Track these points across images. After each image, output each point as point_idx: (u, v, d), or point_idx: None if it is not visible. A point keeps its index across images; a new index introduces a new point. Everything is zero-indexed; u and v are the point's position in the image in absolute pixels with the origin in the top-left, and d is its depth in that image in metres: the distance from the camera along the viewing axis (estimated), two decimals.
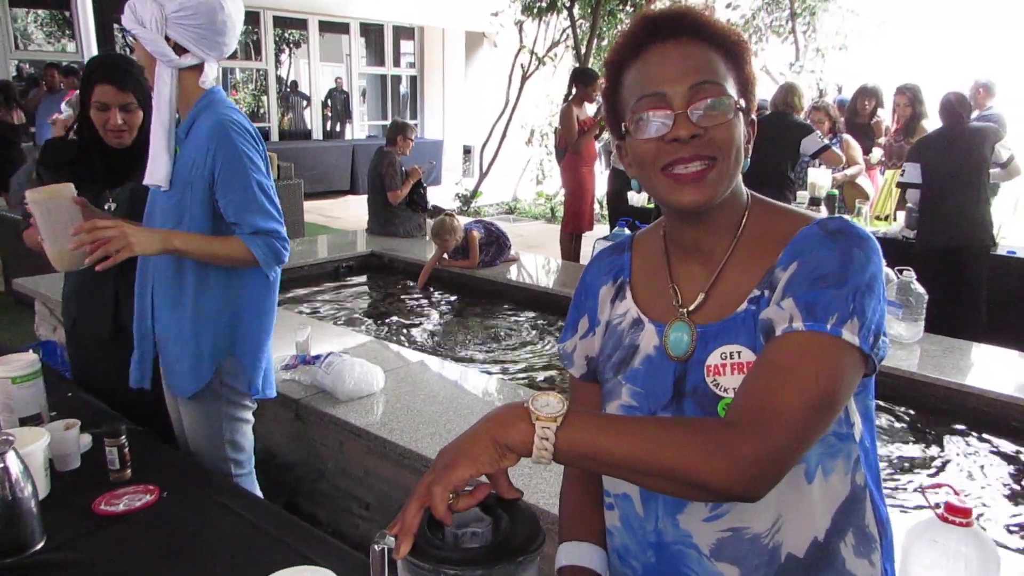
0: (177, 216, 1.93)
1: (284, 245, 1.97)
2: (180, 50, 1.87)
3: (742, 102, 0.92)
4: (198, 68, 1.91)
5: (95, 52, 7.98)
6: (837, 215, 0.94)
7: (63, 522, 1.52)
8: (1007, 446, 2.97)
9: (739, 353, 0.92)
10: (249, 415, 2.14)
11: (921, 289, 3.52)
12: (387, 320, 4.88)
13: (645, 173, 0.94)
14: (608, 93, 0.98)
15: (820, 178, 5.42)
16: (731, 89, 0.91)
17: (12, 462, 1.38)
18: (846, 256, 0.86)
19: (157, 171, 1.93)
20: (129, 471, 1.72)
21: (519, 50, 10.99)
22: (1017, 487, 2.77)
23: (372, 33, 14.52)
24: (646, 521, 1.01)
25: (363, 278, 5.68)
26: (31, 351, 1.92)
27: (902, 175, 4.73)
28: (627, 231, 4.63)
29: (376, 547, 0.87)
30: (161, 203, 1.97)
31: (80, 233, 1.76)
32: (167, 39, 1.85)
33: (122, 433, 1.70)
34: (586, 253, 6.49)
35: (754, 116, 0.96)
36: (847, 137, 5.79)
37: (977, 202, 4.38)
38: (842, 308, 0.83)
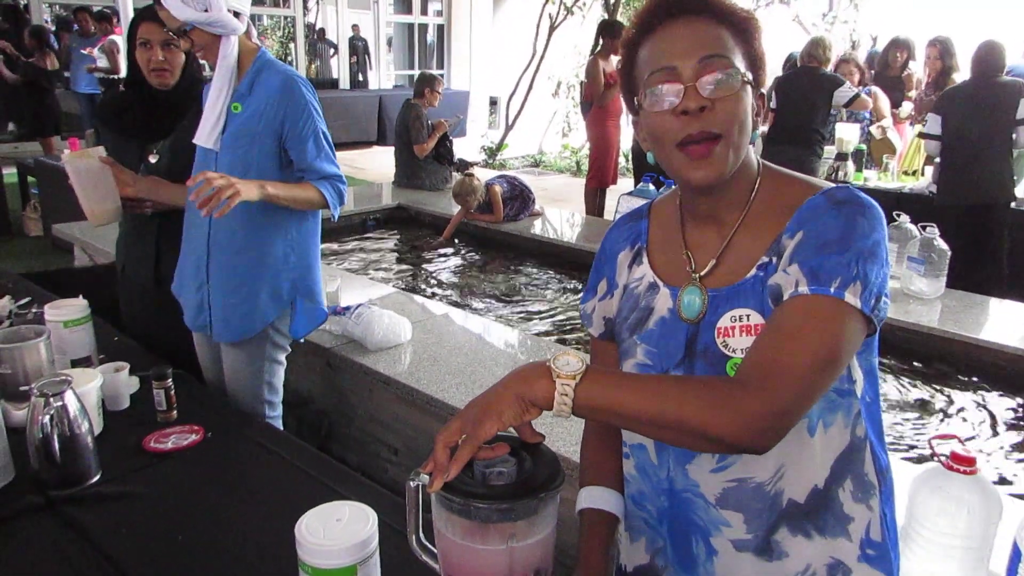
0: (243, 169, 2.01)
1: (345, 188, 2.14)
2: (238, 16, 1.97)
3: (750, 75, 0.95)
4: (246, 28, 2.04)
5: None
6: (844, 184, 0.98)
7: (116, 457, 1.64)
8: (1022, 399, 3.02)
9: (748, 316, 0.97)
10: (283, 358, 2.26)
11: (944, 245, 3.52)
12: (413, 273, 4.96)
13: (660, 148, 0.99)
14: (623, 71, 1.03)
15: (848, 133, 5.36)
16: (739, 63, 0.94)
17: (70, 400, 1.48)
18: (850, 224, 0.90)
19: (204, 133, 2.03)
20: (175, 412, 1.82)
21: (546, 0, 10.82)
22: None
23: None
24: (659, 469, 1.08)
25: (390, 231, 5.75)
26: (81, 296, 2.02)
27: (924, 125, 4.67)
28: (652, 187, 4.64)
29: (412, 484, 0.95)
30: (225, 159, 2.04)
31: (115, 201, 1.99)
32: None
33: (169, 376, 1.80)
34: (610, 208, 6.49)
35: (763, 90, 1.00)
36: (875, 89, 5.71)
37: (999, 158, 4.30)
38: (845, 272, 0.87)
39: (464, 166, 6.57)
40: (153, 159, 2.35)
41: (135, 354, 2.13)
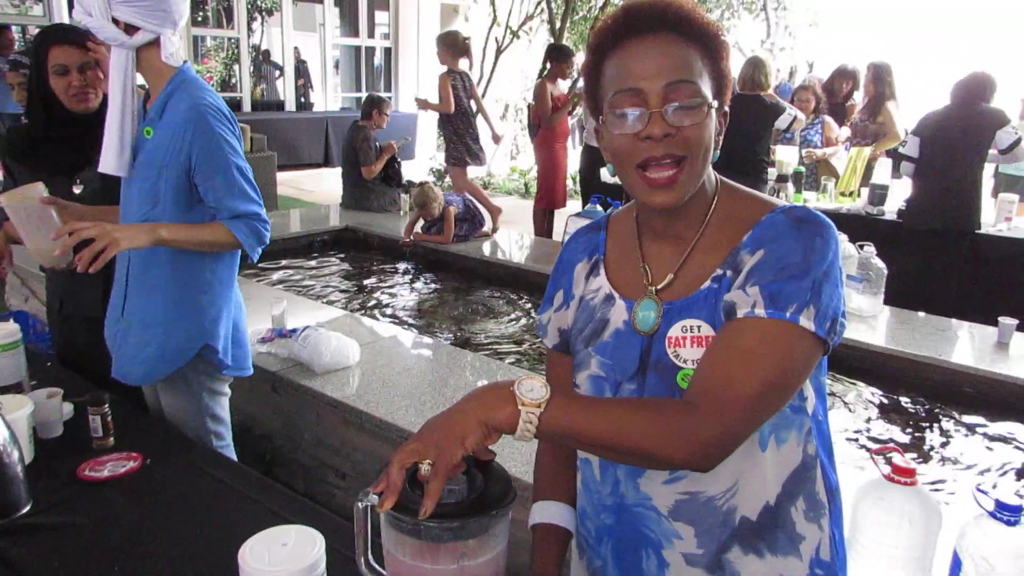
0: (152, 200, 1.89)
1: (265, 227, 1.97)
2: (132, 29, 1.82)
3: (715, 102, 0.95)
4: (156, 44, 1.87)
5: (64, 13, 7.76)
6: (799, 204, 1.00)
7: (49, 487, 1.57)
8: (958, 412, 3.12)
9: (699, 327, 0.98)
10: (227, 388, 2.16)
11: (881, 263, 3.63)
12: (361, 295, 4.90)
13: (620, 167, 0.98)
14: (588, 76, 1.01)
15: (787, 155, 5.52)
16: (706, 87, 0.94)
17: None
18: (809, 245, 0.92)
19: (110, 159, 1.89)
20: (112, 439, 1.76)
21: (492, 24, 10.92)
22: (964, 446, 2.93)
23: (346, 2, 14.29)
24: (602, 486, 1.08)
25: (338, 253, 5.70)
26: (11, 320, 1.94)
27: (903, 146, 4.69)
28: (600, 208, 4.69)
29: (360, 504, 0.93)
30: (137, 187, 1.92)
31: (61, 238, 1.73)
32: (115, 22, 1.80)
33: (105, 402, 1.74)
34: (559, 229, 6.54)
35: (726, 108, 1.00)
36: (828, 119, 5.90)
37: (970, 185, 4.38)
38: (801, 298, 0.89)
39: (413, 187, 6.56)
40: (77, 190, 2.22)
41: (69, 381, 2.05)
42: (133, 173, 1.93)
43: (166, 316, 1.95)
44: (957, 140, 4.35)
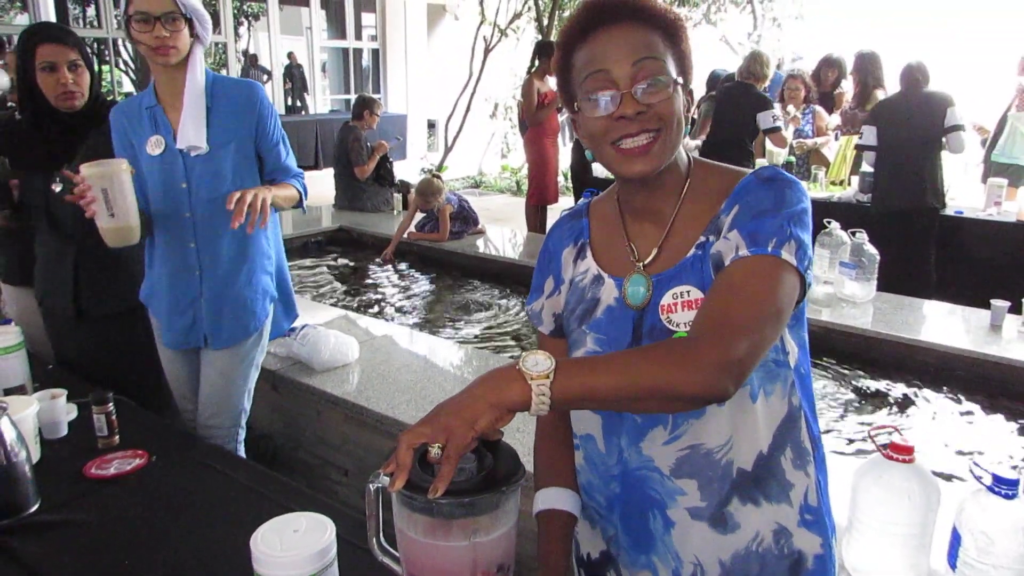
0: (222, 177, 2.04)
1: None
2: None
3: (680, 79, 1.01)
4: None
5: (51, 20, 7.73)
6: (769, 165, 1.06)
7: (56, 486, 1.58)
8: (952, 393, 3.16)
9: (688, 292, 1.03)
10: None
11: (873, 250, 3.67)
12: (357, 294, 4.92)
13: (597, 146, 1.04)
14: (560, 72, 1.07)
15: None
16: (670, 65, 1.00)
17: (6, 428, 1.42)
18: (780, 195, 0.99)
19: (193, 136, 2.00)
20: (117, 437, 1.77)
21: (480, 23, 10.93)
22: (959, 427, 2.97)
23: (333, 5, 14.26)
24: (607, 456, 1.12)
25: (332, 253, 5.70)
26: (12, 323, 1.95)
27: (860, 138, 4.84)
28: None
29: (372, 486, 0.94)
30: (198, 170, 2.03)
31: (135, 215, 1.87)
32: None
33: (109, 401, 1.75)
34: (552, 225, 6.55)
35: (691, 87, 1.06)
36: (818, 109, 5.92)
37: (931, 165, 4.51)
38: (780, 233, 0.95)
39: (406, 188, 6.56)
40: (57, 187, 2.15)
41: (70, 382, 2.05)
42: (189, 159, 2.04)
43: (246, 280, 2.15)
44: (912, 123, 4.51)
